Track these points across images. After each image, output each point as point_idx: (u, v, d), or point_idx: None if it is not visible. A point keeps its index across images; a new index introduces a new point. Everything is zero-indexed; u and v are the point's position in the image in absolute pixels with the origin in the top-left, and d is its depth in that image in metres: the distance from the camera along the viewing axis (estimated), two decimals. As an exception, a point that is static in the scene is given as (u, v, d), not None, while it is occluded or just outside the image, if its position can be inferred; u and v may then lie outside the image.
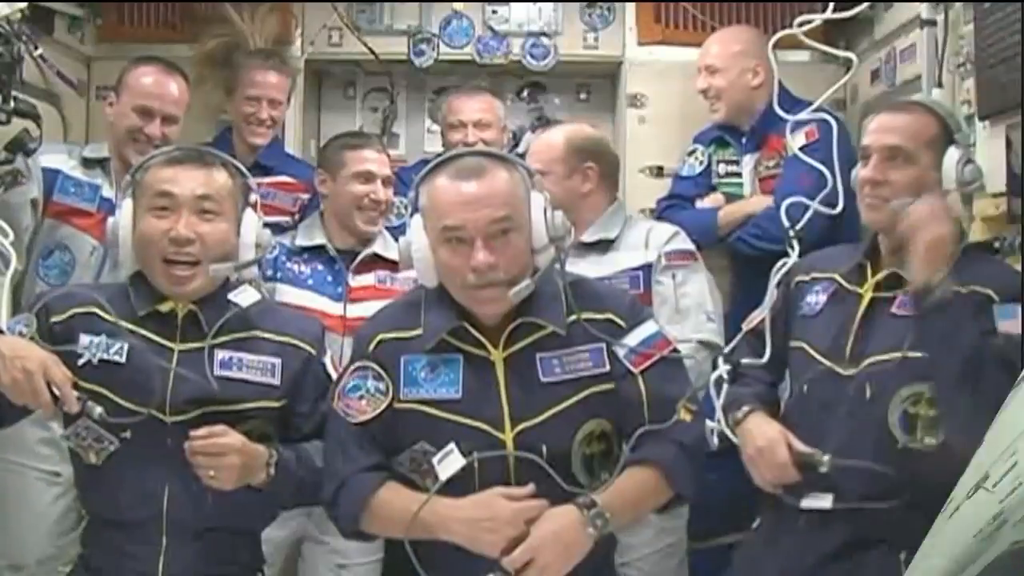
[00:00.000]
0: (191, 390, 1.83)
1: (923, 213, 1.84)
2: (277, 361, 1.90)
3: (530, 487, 1.71)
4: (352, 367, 1.85)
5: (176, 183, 1.87)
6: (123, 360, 1.84)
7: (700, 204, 3.07)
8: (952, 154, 1.95)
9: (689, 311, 2.50)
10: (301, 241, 2.73)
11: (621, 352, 1.81)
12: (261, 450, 1.83)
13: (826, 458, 1.88)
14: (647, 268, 2.54)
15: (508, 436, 1.76)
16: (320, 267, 2.70)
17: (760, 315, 2.15)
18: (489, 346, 1.80)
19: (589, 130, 2.70)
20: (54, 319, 1.87)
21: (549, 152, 2.57)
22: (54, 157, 2.66)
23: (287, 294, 2.61)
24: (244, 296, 1.93)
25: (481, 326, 1.81)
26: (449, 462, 1.73)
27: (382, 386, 1.81)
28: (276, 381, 1.89)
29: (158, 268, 1.86)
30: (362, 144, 2.77)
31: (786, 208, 2.25)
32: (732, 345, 2.17)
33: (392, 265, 2.67)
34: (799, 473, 1.91)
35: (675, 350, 1.89)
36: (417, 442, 1.79)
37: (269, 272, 2.67)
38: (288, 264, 2.69)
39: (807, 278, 2.11)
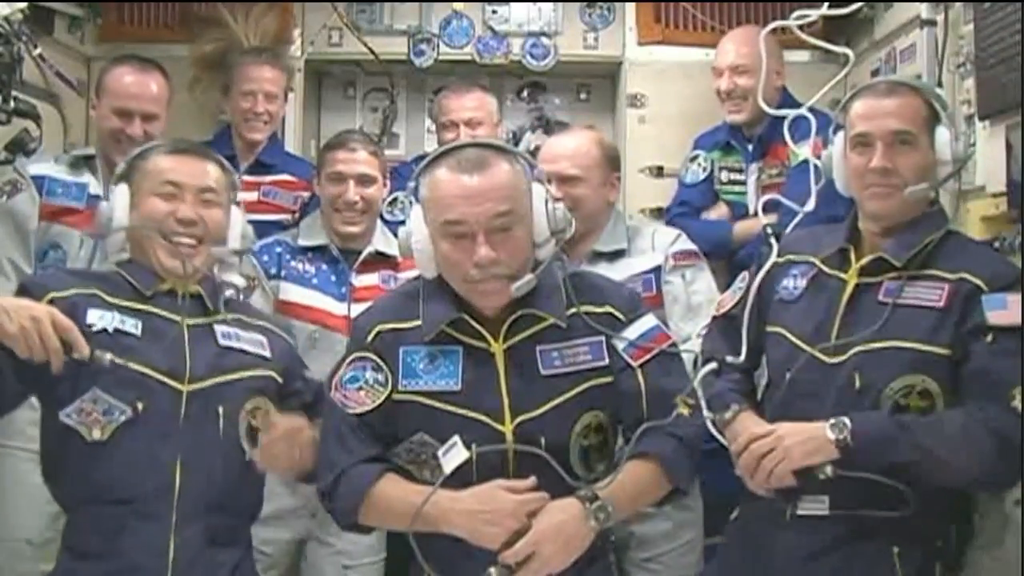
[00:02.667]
0: (205, 360, 1.88)
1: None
2: (264, 339, 1.99)
3: (531, 480, 1.70)
4: (350, 358, 1.84)
5: (181, 173, 1.94)
6: (138, 332, 1.86)
7: (706, 216, 3.06)
8: (943, 133, 1.93)
9: (701, 307, 2.53)
10: (303, 241, 2.73)
11: (620, 345, 1.81)
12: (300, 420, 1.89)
13: (829, 469, 1.81)
14: (657, 270, 2.57)
15: (507, 428, 1.75)
16: (324, 267, 2.70)
17: (731, 299, 2.14)
18: (489, 338, 1.79)
19: (607, 137, 2.72)
20: (53, 295, 1.83)
21: (587, 159, 2.57)
22: (40, 165, 2.68)
23: (292, 292, 2.62)
24: (234, 277, 2.04)
25: (481, 318, 1.80)
26: (453, 455, 1.72)
27: (381, 377, 1.80)
28: (268, 353, 1.98)
29: (160, 244, 1.91)
30: (336, 144, 2.75)
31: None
32: (702, 329, 2.17)
33: (395, 264, 2.67)
34: (795, 479, 1.85)
35: (673, 344, 1.89)
36: (415, 433, 1.78)
37: (273, 270, 2.67)
38: (293, 263, 2.69)
39: (781, 260, 2.07)
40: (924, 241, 1.90)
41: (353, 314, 2.58)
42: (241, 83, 3.06)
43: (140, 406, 1.81)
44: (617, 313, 1.84)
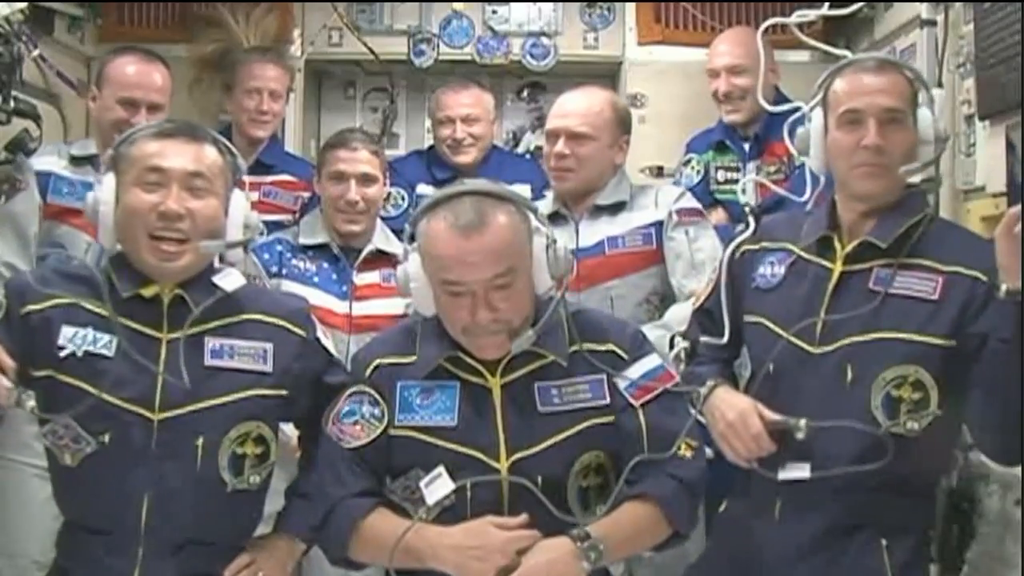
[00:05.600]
0: (181, 385, 1.73)
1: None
2: (268, 346, 1.81)
3: (523, 517, 1.67)
4: (348, 392, 1.81)
5: (166, 157, 1.75)
6: (111, 353, 1.72)
7: None
8: (926, 113, 1.90)
9: (704, 264, 2.53)
10: (304, 239, 2.73)
11: (622, 384, 1.78)
12: (286, 548, 1.84)
13: (803, 423, 1.82)
14: (658, 225, 2.58)
15: (503, 465, 1.72)
16: (325, 265, 2.70)
17: (706, 292, 2.12)
18: (487, 373, 1.76)
19: (620, 99, 2.71)
20: (30, 307, 1.74)
21: (598, 118, 2.58)
22: (44, 159, 2.63)
23: (293, 291, 2.61)
24: (229, 280, 1.82)
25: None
26: (437, 486, 1.69)
27: (377, 411, 1.77)
28: (268, 367, 1.80)
29: (144, 244, 1.73)
30: (338, 144, 2.74)
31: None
32: (685, 327, 2.15)
33: (395, 262, 2.66)
34: (774, 443, 1.85)
35: (677, 384, 1.84)
36: (411, 469, 1.75)
37: (274, 269, 2.67)
38: (293, 261, 2.70)
39: (756, 247, 2.03)
40: (907, 224, 1.87)
41: (355, 312, 2.60)
42: (246, 81, 3.06)
43: (107, 437, 1.70)
44: (620, 351, 1.80)
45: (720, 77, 3.03)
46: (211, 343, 1.78)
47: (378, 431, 1.77)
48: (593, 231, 2.57)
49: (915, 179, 1.97)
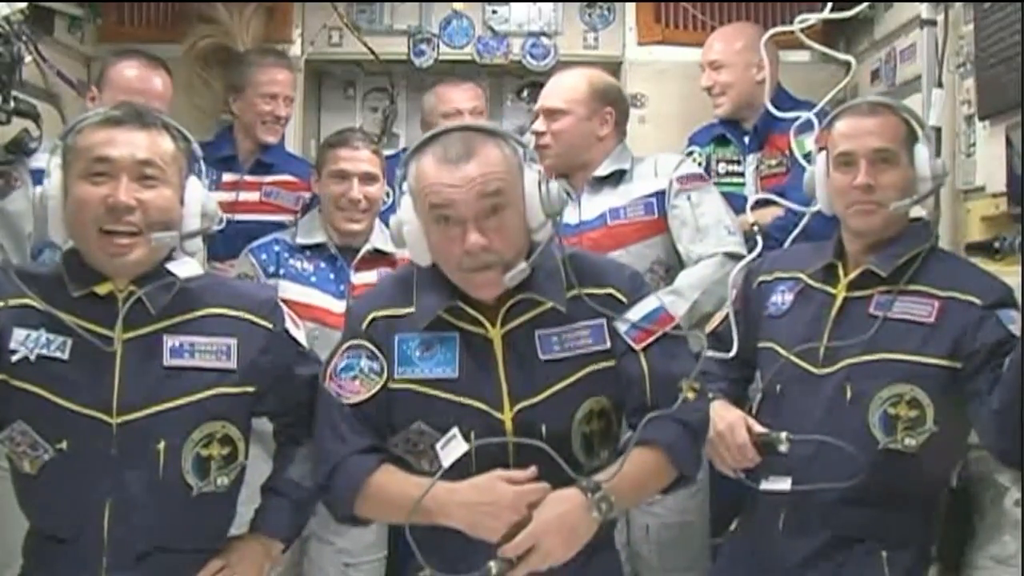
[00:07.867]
0: (142, 385, 1.67)
1: None
2: (232, 341, 1.73)
3: (532, 470, 1.64)
4: (345, 346, 1.78)
5: (114, 146, 1.65)
6: (65, 356, 1.65)
7: None
8: (922, 151, 1.97)
9: (709, 228, 2.54)
10: (302, 239, 2.73)
11: (622, 328, 1.75)
12: (261, 550, 1.79)
13: (784, 435, 1.91)
14: (660, 194, 2.60)
15: (507, 416, 1.69)
16: (323, 264, 2.70)
17: (721, 316, 2.18)
18: (486, 323, 1.73)
19: (607, 75, 2.75)
20: None
21: (572, 93, 2.63)
22: (40, 157, 2.57)
23: (290, 291, 2.61)
24: (183, 268, 1.73)
25: (477, 303, 1.73)
26: (452, 447, 1.66)
27: (376, 365, 1.74)
28: (232, 364, 1.72)
29: (94, 239, 1.64)
30: (337, 142, 2.74)
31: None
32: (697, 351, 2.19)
33: (393, 261, 2.67)
34: (759, 455, 1.95)
35: (677, 326, 1.82)
36: (413, 423, 1.73)
37: (272, 268, 2.67)
38: (291, 261, 2.69)
39: (770, 278, 2.13)
40: (909, 253, 1.95)
41: (353, 312, 2.60)
42: (262, 85, 3.05)
43: (64, 444, 1.64)
44: (619, 295, 1.77)
45: (705, 72, 3.07)
46: (170, 342, 1.70)
47: (378, 386, 1.73)
48: (595, 204, 2.60)
49: (920, 212, 2.05)
